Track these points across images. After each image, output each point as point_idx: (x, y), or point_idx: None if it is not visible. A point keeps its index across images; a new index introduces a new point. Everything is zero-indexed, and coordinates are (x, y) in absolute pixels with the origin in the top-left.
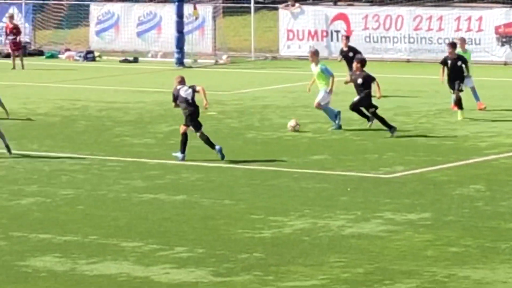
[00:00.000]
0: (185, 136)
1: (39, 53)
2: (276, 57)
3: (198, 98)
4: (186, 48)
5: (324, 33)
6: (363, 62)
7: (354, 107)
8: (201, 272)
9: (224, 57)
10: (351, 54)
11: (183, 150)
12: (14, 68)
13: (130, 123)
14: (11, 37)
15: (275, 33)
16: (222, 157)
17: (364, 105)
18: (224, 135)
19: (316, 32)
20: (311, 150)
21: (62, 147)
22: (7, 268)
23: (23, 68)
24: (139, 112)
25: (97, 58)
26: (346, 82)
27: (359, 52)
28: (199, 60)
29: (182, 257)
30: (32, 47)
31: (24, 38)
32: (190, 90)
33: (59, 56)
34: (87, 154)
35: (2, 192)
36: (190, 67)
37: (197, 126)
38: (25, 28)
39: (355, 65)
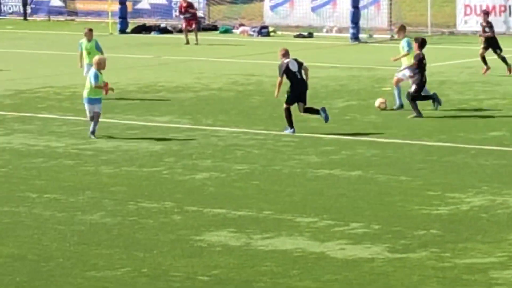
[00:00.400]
0: (288, 111)
1: (213, 28)
2: (453, 32)
3: None
4: (362, 23)
5: (502, 8)
6: (422, 42)
7: (414, 97)
8: (377, 248)
9: None
10: (487, 29)
11: (291, 125)
12: (187, 43)
13: None
14: (187, 15)
15: (452, 8)
16: (326, 118)
17: (420, 90)
18: (401, 111)
19: (494, 7)
20: (488, 127)
21: (237, 122)
22: (182, 242)
23: (197, 43)
24: (314, 87)
25: (272, 33)
26: None
27: (492, 28)
28: (374, 35)
29: (358, 233)
30: (206, 22)
31: (198, 13)
32: (297, 65)
33: (233, 31)
34: (262, 129)
35: (176, 167)
36: (366, 42)
37: (304, 99)
38: (199, 3)
39: (414, 44)
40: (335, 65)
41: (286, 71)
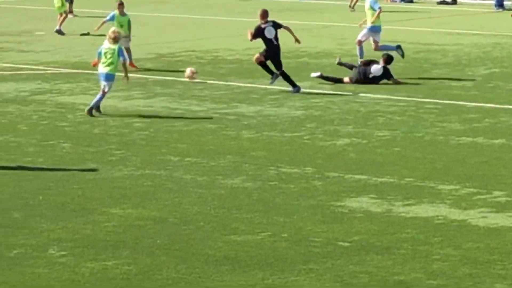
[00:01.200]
0: (262, 63)
1: None
2: None
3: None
4: None
5: None
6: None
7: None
8: None
9: None
10: None
11: (270, 72)
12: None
13: (448, 65)
14: None
15: None
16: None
17: None
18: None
19: None
20: None
21: (378, 89)
22: (323, 208)
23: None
24: (457, 55)
25: (415, 0)
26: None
27: None
28: None
29: (500, 201)
30: None
31: None
32: (273, 30)
33: None
34: (404, 96)
35: (317, 133)
36: (510, 9)
37: (278, 65)
38: None
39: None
40: (478, 32)
41: (262, 36)
